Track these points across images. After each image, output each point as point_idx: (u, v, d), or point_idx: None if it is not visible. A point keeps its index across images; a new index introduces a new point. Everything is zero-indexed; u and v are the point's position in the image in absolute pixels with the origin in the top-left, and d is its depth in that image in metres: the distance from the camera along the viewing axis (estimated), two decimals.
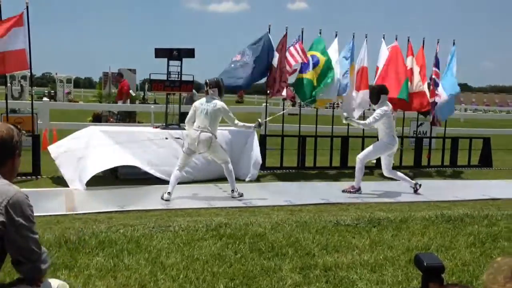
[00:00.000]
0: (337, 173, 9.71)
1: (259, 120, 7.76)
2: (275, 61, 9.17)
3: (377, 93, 7.74)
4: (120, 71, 15.66)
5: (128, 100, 14.91)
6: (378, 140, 8.01)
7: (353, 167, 9.87)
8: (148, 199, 6.86)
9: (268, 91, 9.38)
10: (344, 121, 7.82)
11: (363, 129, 10.35)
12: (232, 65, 9.06)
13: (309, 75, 9.21)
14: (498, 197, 7.73)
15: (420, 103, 9.94)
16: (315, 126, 10.13)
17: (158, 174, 7.87)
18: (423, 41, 10.44)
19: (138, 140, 7.98)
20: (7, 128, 2.34)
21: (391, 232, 5.31)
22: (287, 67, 9.19)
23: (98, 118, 14.78)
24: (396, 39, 10.11)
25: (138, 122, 14.19)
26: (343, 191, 7.81)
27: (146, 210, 6.26)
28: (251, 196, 7.26)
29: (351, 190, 7.77)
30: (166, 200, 6.71)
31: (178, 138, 8.09)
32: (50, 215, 5.73)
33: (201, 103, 7.03)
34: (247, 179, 8.52)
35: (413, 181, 8.01)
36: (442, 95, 10.10)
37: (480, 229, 5.51)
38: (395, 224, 5.59)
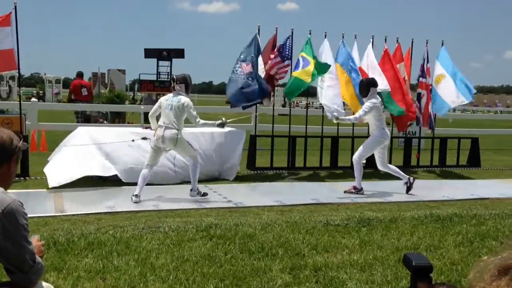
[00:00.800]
0: (327, 173, 9.74)
1: (223, 118, 7.38)
2: (259, 67, 9.14)
3: (367, 86, 7.72)
4: (80, 72, 15.29)
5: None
6: (369, 135, 8.01)
7: (343, 167, 10.00)
8: None
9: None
10: (334, 121, 7.84)
11: (353, 129, 10.43)
12: (244, 80, 8.85)
13: (297, 73, 9.08)
14: (486, 197, 7.79)
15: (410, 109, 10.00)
16: (305, 126, 10.16)
17: (123, 176, 7.62)
18: (412, 42, 10.50)
19: (107, 141, 7.74)
20: (8, 132, 2.31)
21: (380, 232, 5.33)
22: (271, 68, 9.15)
23: (87, 119, 14.66)
24: (385, 40, 10.14)
25: (128, 123, 14.12)
26: (345, 192, 7.77)
27: (135, 211, 6.25)
28: (241, 196, 7.26)
29: (353, 191, 7.74)
30: (135, 203, 6.63)
31: (145, 138, 7.61)
32: (39, 217, 5.69)
33: (166, 99, 6.95)
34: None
35: (407, 176, 7.97)
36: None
37: (468, 229, 5.55)
38: (384, 224, 5.62)
